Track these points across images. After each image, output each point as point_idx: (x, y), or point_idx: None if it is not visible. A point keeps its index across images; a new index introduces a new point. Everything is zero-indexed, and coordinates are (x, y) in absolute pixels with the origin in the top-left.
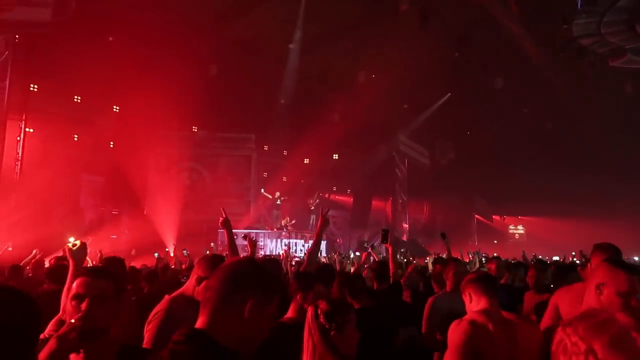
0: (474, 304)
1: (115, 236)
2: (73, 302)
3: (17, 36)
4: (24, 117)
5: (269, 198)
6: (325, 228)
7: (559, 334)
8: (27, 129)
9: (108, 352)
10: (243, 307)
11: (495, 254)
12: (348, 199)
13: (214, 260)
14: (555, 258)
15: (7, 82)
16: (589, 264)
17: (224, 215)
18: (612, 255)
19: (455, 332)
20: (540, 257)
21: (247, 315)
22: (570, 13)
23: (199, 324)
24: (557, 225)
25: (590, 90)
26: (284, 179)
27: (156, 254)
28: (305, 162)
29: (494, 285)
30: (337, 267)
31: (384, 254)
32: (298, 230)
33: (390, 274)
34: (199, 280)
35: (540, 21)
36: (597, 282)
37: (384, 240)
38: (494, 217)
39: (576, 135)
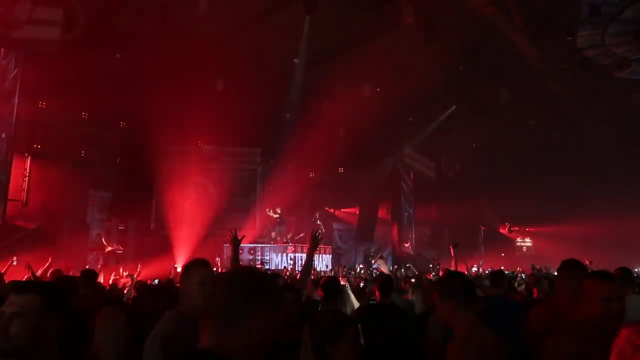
0: (463, 314)
1: (121, 251)
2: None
3: (25, 54)
4: (32, 133)
5: (272, 216)
6: (316, 247)
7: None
8: (35, 145)
9: None
10: (253, 321)
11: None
12: (353, 212)
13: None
14: None
15: (16, 99)
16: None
17: (232, 234)
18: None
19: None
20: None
21: (257, 330)
22: (574, 25)
23: (204, 343)
24: (566, 238)
25: (597, 101)
26: (290, 192)
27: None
28: (310, 175)
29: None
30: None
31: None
32: (303, 244)
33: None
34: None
35: (545, 33)
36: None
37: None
38: (501, 229)
39: (584, 146)
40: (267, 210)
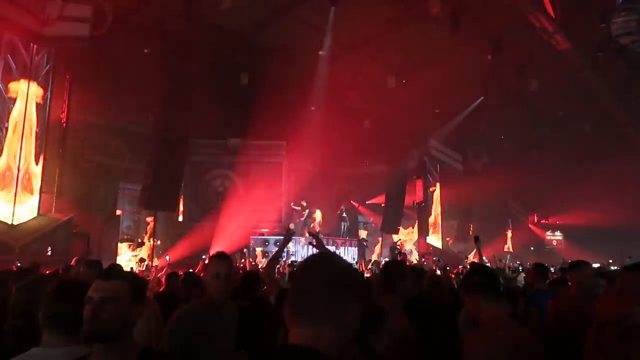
0: (485, 308)
1: (150, 242)
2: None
3: (57, 50)
4: (64, 127)
5: (298, 210)
6: (286, 244)
7: None
8: (67, 139)
9: (123, 357)
10: (348, 316)
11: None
12: (379, 204)
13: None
14: (596, 265)
15: (49, 95)
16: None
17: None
18: None
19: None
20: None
21: (351, 325)
22: (608, 11)
23: (296, 337)
24: (598, 231)
25: (632, 91)
26: (315, 185)
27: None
28: (336, 168)
29: None
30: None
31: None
32: (329, 237)
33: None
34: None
35: (577, 20)
36: None
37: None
38: (530, 223)
39: (617, 137)
40: (292, 204)
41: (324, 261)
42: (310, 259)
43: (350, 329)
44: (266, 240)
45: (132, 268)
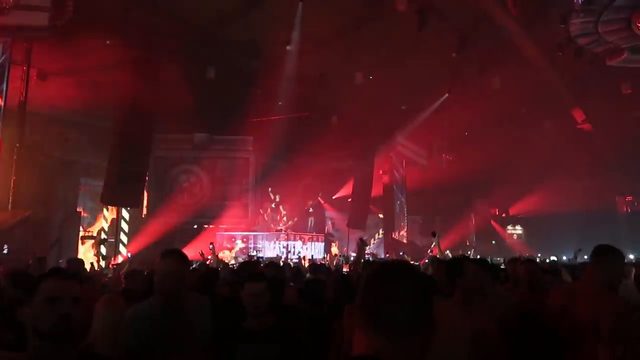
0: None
1: (112, 240)
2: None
3: (14, 40)
4: (22, 120)
5: (270, 199)
6: None
7: None
8: (25, 133)
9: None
10: (429, 334)
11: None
12: (346, 197)
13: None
14: (553, 258)
15: (5, 86)
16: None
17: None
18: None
19: None
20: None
21: (428, 345)
22: (568, 12)
23: (377, 350)
24: (557, 226)
25: (589, 90)
26: (282, 181)
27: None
28: (303, 164)
29: None
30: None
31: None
32: (296, 232)
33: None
34: None
35: (539, 21)
36: None
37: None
38: (492, 217)
39: (575, 135)
40: (270, 189)
41: (407, 270)
42: (389, 267)
43: (426, 350)
44: (232, 236)
45: (92, 264)
